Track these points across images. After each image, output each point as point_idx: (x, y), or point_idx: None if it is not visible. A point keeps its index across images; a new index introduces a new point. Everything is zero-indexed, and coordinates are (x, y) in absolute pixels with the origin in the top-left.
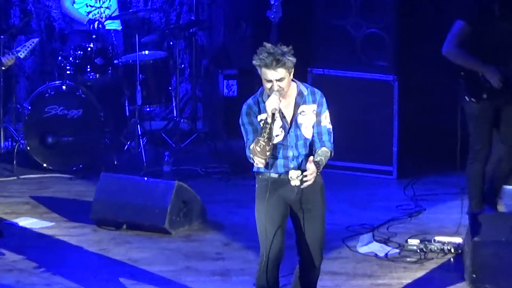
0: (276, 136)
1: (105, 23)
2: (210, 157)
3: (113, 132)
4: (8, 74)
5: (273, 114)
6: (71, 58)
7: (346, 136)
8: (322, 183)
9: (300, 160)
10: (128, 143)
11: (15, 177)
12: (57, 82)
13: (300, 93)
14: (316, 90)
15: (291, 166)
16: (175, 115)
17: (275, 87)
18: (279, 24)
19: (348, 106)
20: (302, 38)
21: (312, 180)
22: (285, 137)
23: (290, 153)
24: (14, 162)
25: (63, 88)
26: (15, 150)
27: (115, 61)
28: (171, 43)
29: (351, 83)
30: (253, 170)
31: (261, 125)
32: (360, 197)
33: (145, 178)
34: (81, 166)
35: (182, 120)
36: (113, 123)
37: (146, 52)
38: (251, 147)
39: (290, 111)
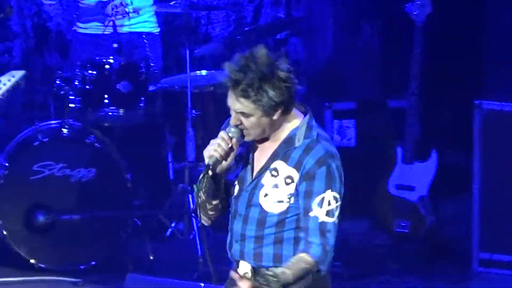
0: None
1: (126, 23)
2: None
3: (147, 206)
4: None
5: (208, 166)
6: (77, 82)
7: None
8: None
9: (247, 246)
10: (173, 224)
11: None
12: (53, 122)
13: (289, 140)
14: (323, 146)
15: (233, 251)
16: None
17: (233, 120)
18: (426, 26)
19: None
20: (465, 51)
21: None
22: (238, 194)
23: (236, 225)
24: None
25: (64, 133)
26: None
27: (151, 87)
28: None
29: None
30: None
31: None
32: None
33: (202, 284)
34: (93, 263)
35: None
36: (147, 192)
37: (203, 72)
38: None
39: (264, 158)
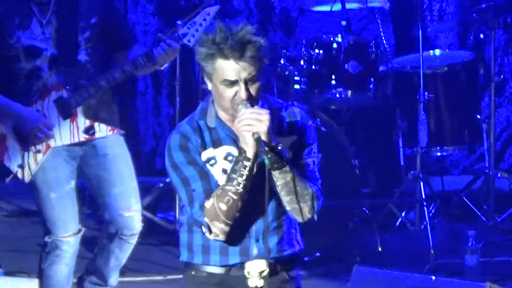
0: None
1: None
2: None
3: (376, 194)
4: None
5: (258, 141)
6: (302, 62)
7: None
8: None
9: (271, 241)
10: (404, 214)
11: None
12: None
13: (275, 112)
14: (295, 107)
15: (254, 252)
16: (487, 165)
17: (243, 94)
18: None
19: None
20: None
21: (251, 120)
22: (252, 190)
23: (256, 223)
24: None
25: None
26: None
27: (381, 68)
28: (481, 35)
29: None
30: (180, 259)
31: (232, 164)
32: None
33: (433, 277)
34: (318, 254)
35: (500, 175)
36: (376, 179)
37: (437, 51)
38: (207, 205)
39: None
